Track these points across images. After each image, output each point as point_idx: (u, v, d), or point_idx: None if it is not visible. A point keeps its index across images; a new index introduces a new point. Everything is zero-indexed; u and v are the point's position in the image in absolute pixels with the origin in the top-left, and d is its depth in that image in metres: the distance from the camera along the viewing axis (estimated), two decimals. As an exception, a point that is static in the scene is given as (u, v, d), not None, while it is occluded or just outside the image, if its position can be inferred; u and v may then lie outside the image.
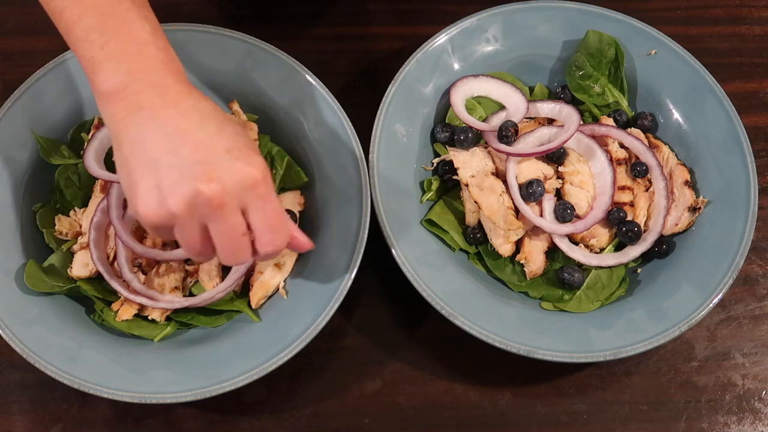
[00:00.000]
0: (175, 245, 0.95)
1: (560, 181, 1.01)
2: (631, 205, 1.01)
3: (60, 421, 0.94)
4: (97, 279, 0.95)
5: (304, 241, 0.82)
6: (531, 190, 0.98)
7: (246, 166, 0.73)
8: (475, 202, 0.98)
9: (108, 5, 0.77)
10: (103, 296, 0.94)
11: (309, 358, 0.97)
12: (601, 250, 1.01)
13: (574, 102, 1.08)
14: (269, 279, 0.95)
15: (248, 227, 0.76)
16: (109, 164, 0.99)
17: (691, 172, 1.03)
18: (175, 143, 0.73)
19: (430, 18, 1.17)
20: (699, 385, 0.99)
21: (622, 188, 1.01)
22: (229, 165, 0.73)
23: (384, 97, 1.01)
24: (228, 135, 0.75)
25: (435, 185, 1.01)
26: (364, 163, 0.96)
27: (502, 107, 1.06)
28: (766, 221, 1.09)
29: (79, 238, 0.97)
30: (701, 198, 1.01)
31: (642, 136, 1.05)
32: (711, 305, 0.93)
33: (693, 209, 1.00)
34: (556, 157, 1.01)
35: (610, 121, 1.05)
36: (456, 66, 1.06)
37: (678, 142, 1.05)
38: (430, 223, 0.99)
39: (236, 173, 0.73)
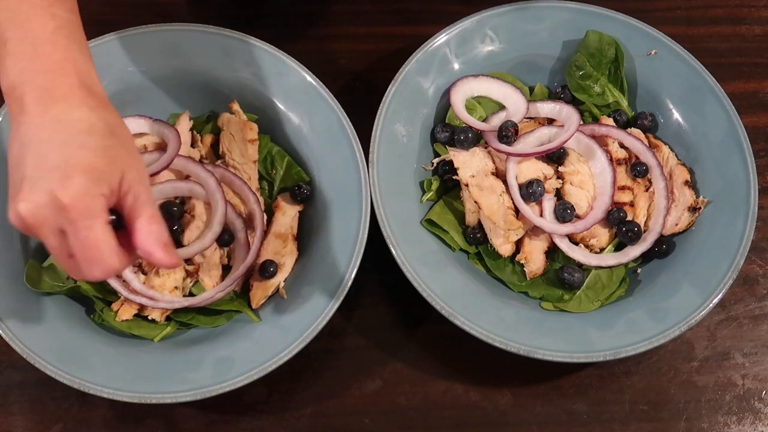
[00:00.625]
0: (174, 245, 0.95)
1: (560, 181, 1.01)
2: (631, 205, 1.01)
3: (60, 421, 0.94)
4: (97, 279, 0.95)
5: (158, 258, 0.76)
6: (531, 190, 0.98)
7: (61, 188, 0.70)
8: (475, 202, 0.98)
9: (16, 1, 0.77)
10: (103, 296, 0.94)
11: (309, 358, 0.97)
12: (601, 250, 1.01)
13: (574, 102, 1.08)
14: (269, 279, 0.95)
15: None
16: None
17: (691, 172, 1.03)
18: (23, 153, 0.73)
19: (430, 18, 1.17)
20: (699, 385, 0.99)
21: (622, 188, 1.01)
22: (45, 185, 0.71)
23: (384, 97, 1.01)
24: (70, 151, 0.72)
25: (435, 185, 1.01)
26: (364, 163, 0.96)
27: (502, 107, 1.06)
28: (766, 221, 1.09)
29: (79, 238, 0.96)
30: (701, 198, 1.01)
31: (642, 136, 1.05)
32: (711, 305, 0.93)
33: (693, 209, 1.00)
34: (556, 157, 1.01)
35: (610, 121, 1.05)
36: (456, 66, 1.06)
37: (678, 142, 1.05)
38: (430, 223, 0.99)
39: (47, 195, 0.71)
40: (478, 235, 0.99)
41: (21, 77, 0.75)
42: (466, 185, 0.98)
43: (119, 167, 0.75)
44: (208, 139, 1.03)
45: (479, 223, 1.00)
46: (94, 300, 0.94)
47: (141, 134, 1.00)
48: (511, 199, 0.98)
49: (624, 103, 1.08)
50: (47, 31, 0.76)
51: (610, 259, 0.99)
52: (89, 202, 0.72)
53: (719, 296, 0.94)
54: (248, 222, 0.97)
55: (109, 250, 0.73)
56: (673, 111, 1.06)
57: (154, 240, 0.75)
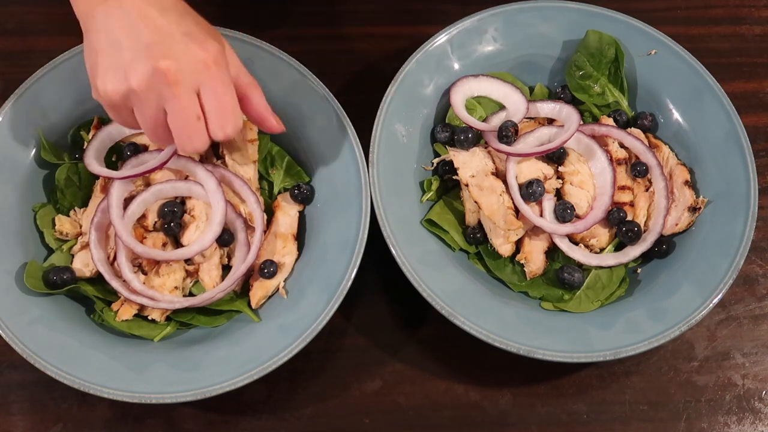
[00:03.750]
0: (175, 245, 0.95)
1: (560, 181, 1.01)
2: (631, 205, 1.01)
3: (60, 421, 0.94)
4: (97, 279, 0.95)
5: (271, 125, 0.89)
6: (531, 190, 0.98)
7: (201, 48, 0.79)
8: (475, 202, 0.98)
9: None
10: (103, 296, 0.94)
11: (309, 358, 0.97)
12: (601, 250, 1.01)
13: (574, 102, 1.08)
14: (269, 279, 0.95)
15: (203, 112, 0.80)
16: (109, 163, 0.99)
17: (691, 172, 1.03)
18: (136, 28, 0.78)
19: (430, 18, 1.17)
20: (699, 385, 0.99)
21: (622, 188, 1.01)
22: (186, 46, 0.78)
23: (384, 97, 1.01)
24: (188, 23, 0.80)
25: (435, 185, 1.01)
26: (364, 163, 0.96)
27: (502, 107, 1.06)
28: (766, 221, 1.09)
29: (80, 238, 0.97)
30: (701, 198, 1.01)
31: (642, 136, 1.05)
32: (711, 305, 0.93)
33: (693, 209, 1.00)
34: (556, 157, 1.01)
35: (610, 121, 1.05)
36: (456, 66, 1.06)
37: (678, 142, 1.05)
38: (430, 223, 0.99)
39: (191, 53, 0.78)
40: (478, 235, 0.99)
41: None
42: (466, 185, 0.98)
43: (221, 43, 0.83)
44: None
45: (479, 223, 1.00)
46: (94, 300, 0.94)
47: (141, 133, 1.00)
48: (511, 199, 0.98)
49: (624, 103, 1.08)
50: None
51: (610, 259, 0.99)
52: (226, 60, 0.82)
53: (719, 296, 0.94)
54: (248, 222, 0.97)
55: (237, 108, 0.83)
56: (673, 111, 1.06)
57: (264, 108, 0.88)
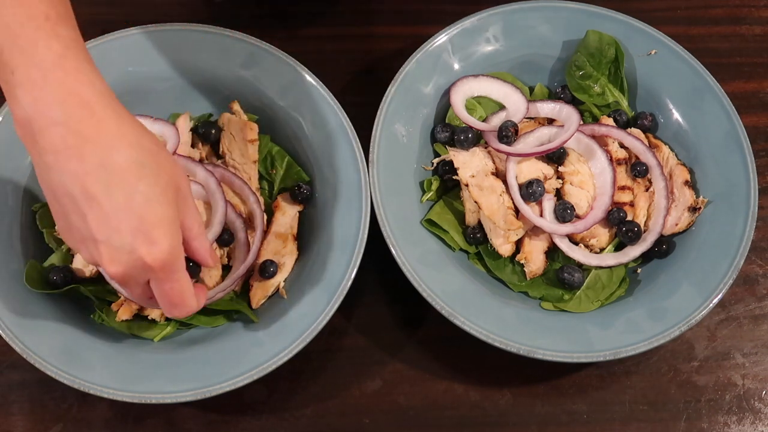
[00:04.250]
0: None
1: (560, 181, 1.01)
2: (631, 205, 1.01)
3: (60, 421, 0.94)
4: (97, 279, 0.95)
5: (208, 264, 0.84)
6: (531, 190, 0.98)
7: (147, 253, 0.72)
8: (475, 202, 0.98)
9: (19, 24, 0.70)
10: (103, 296, 0.94)
11: (309, 358, 0.97)
12: (601, 250, 1.01)
13: (574, 102, 1.08)
14: (269, 279, 0.95)
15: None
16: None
17: (691, 172, 1.03)
18: (81, 207, 0.71)
19: (430, 18, 1.17)
20: (699, 385, 0.99)
21: (622, 188, 1.01)
22: (131, 251, 0.71)
23: (384, 97, 1.01)
24: (138, 205, 0.71)
25: (435, 185, 1.01)
26: (364, 163, 0.96)
27: (502, 107, 1.06)
28: (766, 221, 1.09)
29: (79, 238, 0.96)
30: (701, 198, 1.01)
31: (642, 136, 1.05)
32: (711, 305, 0.93)
33: (693, 209, 1.00)
34: (556, 157, 1.01)
35: (610, 121, 1.05)
36: (456, 66, 1.06)
37: (678, 142, 1.05)
38: (430, 223, 0.99)
39: (137, 260, 0.72)
40: (478, 235, 0.99)
41: (35, 108, 0.70)
42: (466, 185, 0.98)
43: (175, 198, 0.75)
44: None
45: (479, 223, 1.00)
46: (94, 300, 0.94)
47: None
48: (511, 199, 0.98)
49: (624, 103, 1.08)
50: (55, 55, 0.71)
51: (610, 259, 0.99)
52: (176, 258, 0.74)
53: (719, 296, 0.94)
54: (248, 222, 0.97)
55: (190, 296, 0.78)
56: (673, 111, 1.06)
57: (205, 252, 0.82)
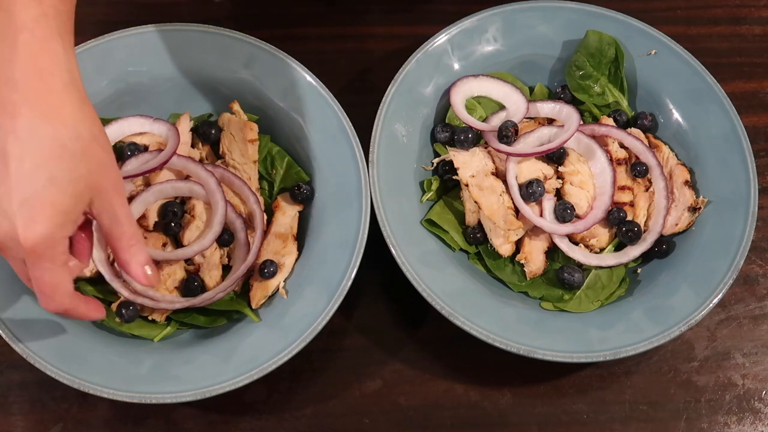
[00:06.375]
0: (175, 245, 0.96)
1: (560, 181, 1.01)
2: (631, 205, 1.01)
3: (60, 421, 0.94)
4: (97, 279, 0.95)
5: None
6: (531, 190, 0.98)
7: (24, 230, 0.71)
8: (475, 202, 0.98)
9: None
10: (104, 296, 0.94)
11: (309, 358, 0.97)
12: (601, 250, 1.01)
13: (574, 102, 1.08)
14: (269, 279, 0.95)
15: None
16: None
17: (691, 172, 1.03)
18: None
19: (430, 18, 1.17)
20: (699, 385, 0.99)
21: (622, 188, 1.01)
22: (9, 219, 0.71)
23: (384, 97, 1.01)
24: (38, 180, 0.71)
25: (435, 185, 1.01)
26: (364, 163, 0.96)
27: (502, 107, 1.06)
28: (766, 221, 1.09)
29: (79, 238, 0.97)
30: (701, 198, 1.01)
31: (642, 136, 1.05)
32: (711, 305, 0.93)
33: (693, 209, 1.00)
34: (556, 157, 1.01)
35: (610, 121, 1.05)
36: (456, 66, 1.06)
37: (678, 142, 1.05)
38: (430, 223, 0.99)
39: (11, 230, 0.71)
40: (478, 235, 0.99)
41: None
42: (466, 185, 0.98)
43: (89, 194, 0.74)
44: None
45: (479, 223, 1.00)
46: (94, 300, 0.94)
47: (141, 133, 1.00)
48: (511, 199, 0.98)
49: (624, 103, 1.08)
50: (29, 17, 0.72)
51: (610, 259, 0.99)
52: (50, 247, 0.72)
53: (719, 296, 0.94)
54: (248, 222, 0.97)
55: (63, 293, 0.76)
56: (673, 111, 1.06)
57: (135, 265, 0.80)
